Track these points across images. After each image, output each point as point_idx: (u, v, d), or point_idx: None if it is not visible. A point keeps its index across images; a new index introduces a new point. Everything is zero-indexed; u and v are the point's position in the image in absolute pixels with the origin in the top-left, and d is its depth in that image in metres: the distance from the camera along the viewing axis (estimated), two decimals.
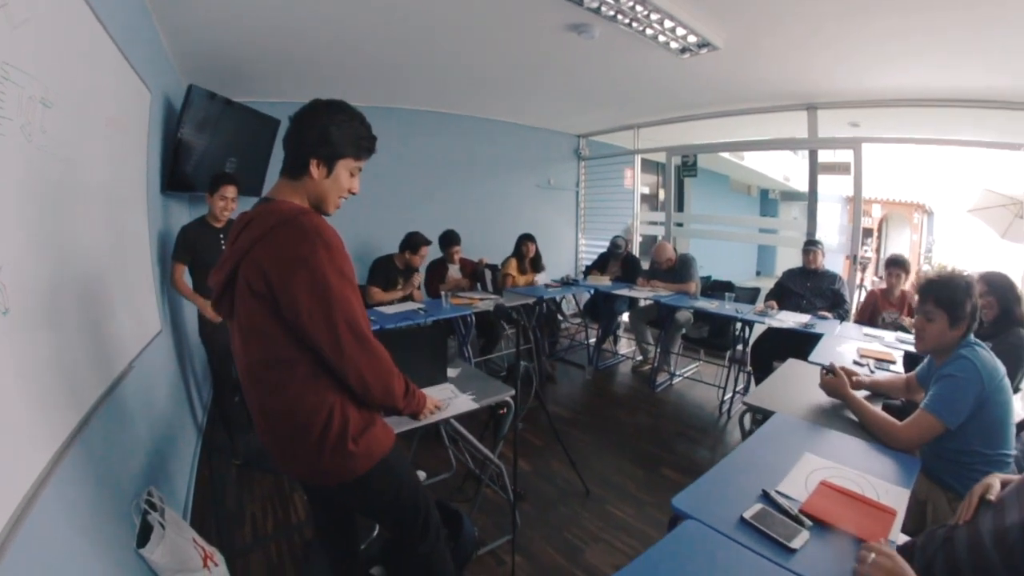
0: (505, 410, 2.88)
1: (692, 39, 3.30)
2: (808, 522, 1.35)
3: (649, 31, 3.21)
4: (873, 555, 1.12)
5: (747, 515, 1.37)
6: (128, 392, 1.92)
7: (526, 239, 5.41)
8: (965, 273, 1.95)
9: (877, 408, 2.04)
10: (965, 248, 10.41)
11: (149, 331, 2.45)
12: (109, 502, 1.55)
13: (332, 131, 1.36)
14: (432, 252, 4.76)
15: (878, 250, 12.83)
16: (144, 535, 1.66)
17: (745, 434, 3.86)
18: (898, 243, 13.06)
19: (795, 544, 1.27)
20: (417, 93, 5.00)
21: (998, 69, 3.39)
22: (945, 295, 1.88)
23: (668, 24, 3.12)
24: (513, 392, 2.37)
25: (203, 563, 1.86)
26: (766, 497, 1.46)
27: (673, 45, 3.39)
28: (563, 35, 3.36)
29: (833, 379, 2.22)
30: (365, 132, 1.44)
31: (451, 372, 2.56)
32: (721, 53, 3.53)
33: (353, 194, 1.47)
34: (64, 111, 1.50)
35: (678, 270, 5.11)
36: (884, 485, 1.60)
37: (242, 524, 2.72)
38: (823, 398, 2.30)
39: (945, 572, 1.23)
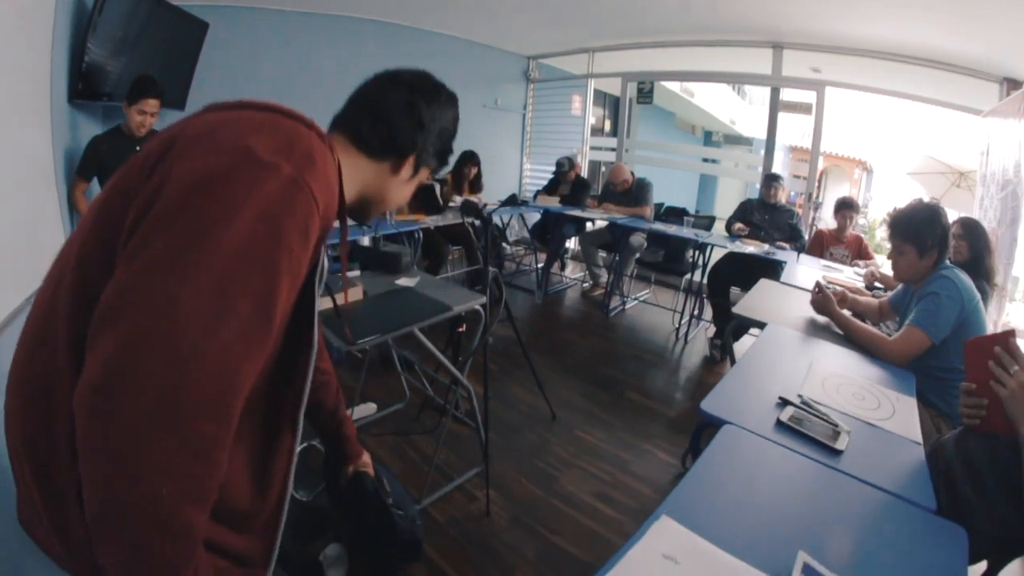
0: (463, 328, 2.71)
1: None
2: (845, 425, 1.32)
3: None
4: (1016, 367, 1.14)
5: (784, 418, 1.32)
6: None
7: (468, 160, 5.13)
8: (927, 202, 2.05)
9: (867, 325, 2.12)
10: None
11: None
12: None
13: (445, 133, 1.02)
14: None
15: (818, 197, 13.46)
16: None
17: (714, 357, 3.97)
18: (836, 195, 13.60)
19: (840, 445, 1.24)
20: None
21: (972, 35, 3.44)
22: (907, 229, 2.00)
23: None
24: (484, 299, 2.18)
25: None
26: (786, 403, 1.40)
27: None
28: None
29: (821, 296, 2.25)
30: (450, 145, 1.07)
31: (408, 281, 2.36)
32: None
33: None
34: None
35: (634, 193, 5.05)
36: (894, 394, 1.65)
37: None
38: (804, 314, 2.34)
39: (965, 474, 1.24)
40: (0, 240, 1.47)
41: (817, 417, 1.34)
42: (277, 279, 0.65)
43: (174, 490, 0.58)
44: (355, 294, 2.02)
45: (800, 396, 1.44)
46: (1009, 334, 1.20)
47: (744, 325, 2.88)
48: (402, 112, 0.92)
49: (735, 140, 14.35)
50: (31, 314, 0.77)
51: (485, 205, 4.49)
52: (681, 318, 4.44)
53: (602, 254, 5.37)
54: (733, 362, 2.32)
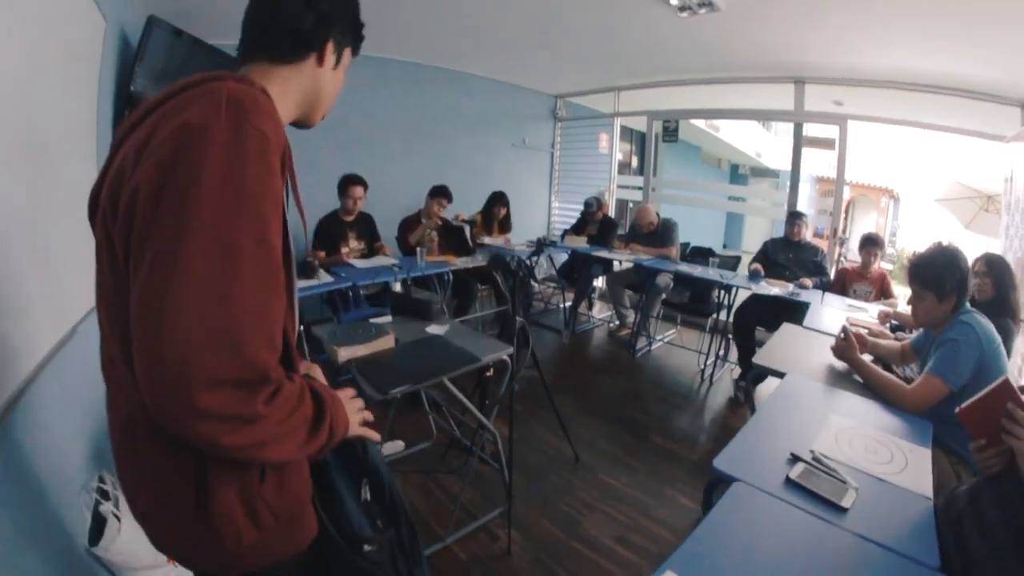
0: (491, 372, 2.80)
1: None
2: (853, 481, 1.36)
3: None
4: None
5: (793, 475, 1.36)
6: (69, 362, 1.60)
7: (498, 201, 5.29)
8: (946, 246, 2.07)
9: (886, 372, 2.13)
10: (929, 235, 11.10)
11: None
12: (51, 496, 1.31)
13: (349, 9, 1.03)
14: (407, 206, 4.65)
15: (844, 231, 13.42)
16: (97, 530, 1.44)
17: (739, 398, 3.98)
18: (864, 225, 13.73)
19: (845, 503, 1.28)
20: (394, 41, 4.74)
21: (990, 61, 3.48)
22: (926, 275, 2.04)
23: None
24: (511, 349, 2.27)
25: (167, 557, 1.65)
26: (797, 459, 1.45)
27: (674, 1, 3.28)
28: None
29: (844, 343, 2.27)
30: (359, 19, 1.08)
31: (438, 329, 2.45)
32: (721, 15, 3.44)
33: None
34: (19, 39, 1.28)
35: (660, 234, 5.12)
36: (908, 445, 1.67)
37: None
38: (825, 361, 2.36)
39: (976, 527, 1.25)
40: (53, 266, 1.57)
41: (826, 473, 1.38)
42: (259, 208, 0.73)
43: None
44: (387, 342, 2.13)
45: (812, 452, 1.49)
46: (1003, 385, 1.24)
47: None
48: (301, 9, 0.94)
49: (761, 172, 14.45)
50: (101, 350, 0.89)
51: (514, 253, 4.62)
52: (707, 359, 4.47)
53: (629, 293, 5.42)
54: (753, 411, 2.36)
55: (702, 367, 4.50)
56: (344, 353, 1.99)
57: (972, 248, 3.05)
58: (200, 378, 0.65)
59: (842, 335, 2.30)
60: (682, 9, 3.40)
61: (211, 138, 0.71)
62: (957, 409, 1.33)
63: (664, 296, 5.07)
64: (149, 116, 0.79)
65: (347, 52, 1.04)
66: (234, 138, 0.72)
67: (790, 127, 5.52)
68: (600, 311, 6.38)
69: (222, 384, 0.67)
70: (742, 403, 4.00)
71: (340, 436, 0.90)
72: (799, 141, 5.32)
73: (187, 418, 0.66)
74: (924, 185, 11.45)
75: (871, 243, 4.12)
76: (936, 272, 2.00)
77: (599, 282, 6.34)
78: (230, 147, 0.71)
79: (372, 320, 2.46)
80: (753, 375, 2.66)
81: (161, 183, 0.68)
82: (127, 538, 1.47)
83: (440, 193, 4.56)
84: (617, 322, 5.62)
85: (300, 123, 1.04)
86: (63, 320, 1.61)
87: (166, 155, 0.70)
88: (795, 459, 1.44)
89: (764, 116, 6.09)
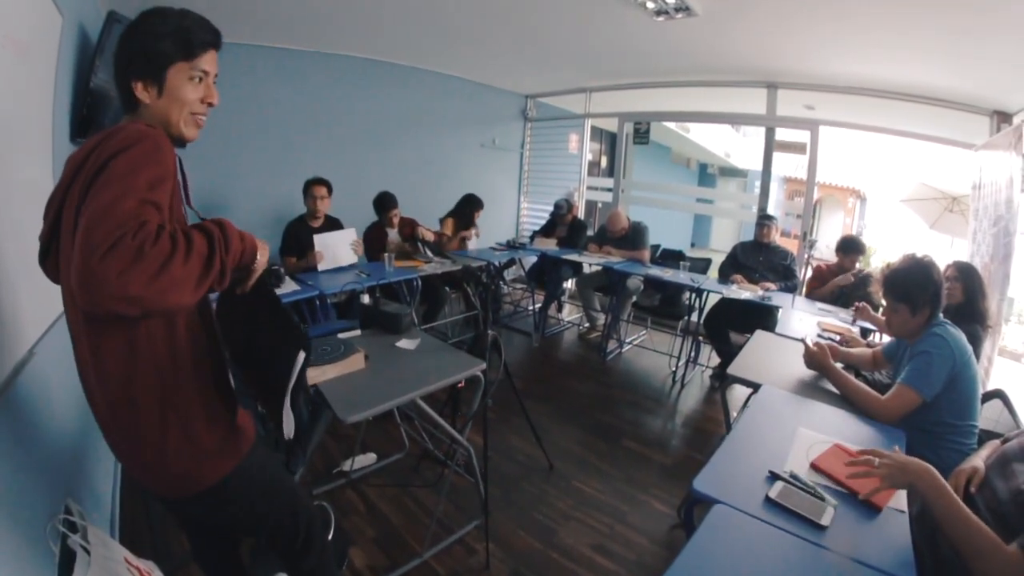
0: (463, 384, 2.79)
1: (672, 0, 3.23)
2: (831, 499, 1.39)
3: None
4: (878, 460, 1.37)
5: (773, 494, 1.39)
6: (30, 385, 1.56)
7: (477, 206, 5.25)
8: (919, 258, 2.13)
9: (859, 382, 2.18)
10: (894, 235, 11.68)
11: (56, 305, 2.04)
12: (17, 531, 1.25)
13: (145, 42, 1.14)
14: (367, 215, 4.61)
15: (812, 232, 13.83)
16: (67, 564, 1.35)
17: (714, 384, 4.21)
18: (831, 225, 14.13)
19: (824, 520, 1.31)
20: (358, 38, 4.67)
21: (962, 71, 3.59)
22: (900, 289, 2.10)
23: None
24: (484, 365, 2.25)
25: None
26: (776, 477, 1.48)
27: (650, 5, 3.30)
28: None
29: (816, 352, 2.33)
30: (189, 23, 1.19)
31: (408, 344, 2.39)
32: (697, 20, 3.48)
33: (211, 104, 1.25)
34: None
35: (631, 238, 5.18)
36: None
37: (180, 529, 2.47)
38: (799, 369, 2.41)
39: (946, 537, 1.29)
40: (8, 276, 1.52)
41: (804, 491, 1.41)
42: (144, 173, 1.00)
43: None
44: (357, 361, 2.07)
45: (789, 470, 1.52)
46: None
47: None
48: (119, 72, 1.16)
49: (730, 172, 14.76)
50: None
51: (487, 258, 4.60)
52: (678, 362, 4.54)
53: (599, 296, 5.46)
54: (729, 428, 2.40)
55: (673, 370, 4.57)
56: (312, 374, 1.90)
57: (937, 247, 3.14)
58: (99, 246, 0.87)
59: (814, 345, 2.36)
60: (658, 13, 3.43)
61: (129, 146, 1.01)
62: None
63: (635, 299, 5.13)
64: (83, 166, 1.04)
65: (174, 69, 1.17)
66: (144, 145, 1.03)
67: (760, 129, 5.60)
68: (569, 313, 6.42)
69: (114, 245, 0.87)
70: (715, 389, 4.30)
71: (238, 256, 1.13)
72: (770, 146, 5.40)
73: (100, 283, 0.86)
74: (890, 186, 11.89)
75: (852, 250, 4.21)
76: (909, 287, 2.06)
77: (569, 284, 6.37)
78: (136, 147, 1.01)
79: (341, 335, 2.39)
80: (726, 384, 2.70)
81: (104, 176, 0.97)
82: (98, 570, 1.42)
83: (391, 205, 4.55)
84: (587, 324, 5.67)
85: (175, 139, 1.21)
86: (21, 339, 1.55)
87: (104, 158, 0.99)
88: (774, 477, 1.47)
89: (737, 120, 6.17)
